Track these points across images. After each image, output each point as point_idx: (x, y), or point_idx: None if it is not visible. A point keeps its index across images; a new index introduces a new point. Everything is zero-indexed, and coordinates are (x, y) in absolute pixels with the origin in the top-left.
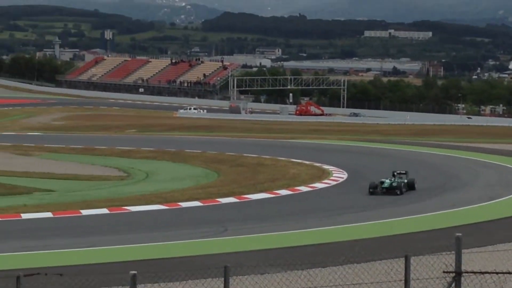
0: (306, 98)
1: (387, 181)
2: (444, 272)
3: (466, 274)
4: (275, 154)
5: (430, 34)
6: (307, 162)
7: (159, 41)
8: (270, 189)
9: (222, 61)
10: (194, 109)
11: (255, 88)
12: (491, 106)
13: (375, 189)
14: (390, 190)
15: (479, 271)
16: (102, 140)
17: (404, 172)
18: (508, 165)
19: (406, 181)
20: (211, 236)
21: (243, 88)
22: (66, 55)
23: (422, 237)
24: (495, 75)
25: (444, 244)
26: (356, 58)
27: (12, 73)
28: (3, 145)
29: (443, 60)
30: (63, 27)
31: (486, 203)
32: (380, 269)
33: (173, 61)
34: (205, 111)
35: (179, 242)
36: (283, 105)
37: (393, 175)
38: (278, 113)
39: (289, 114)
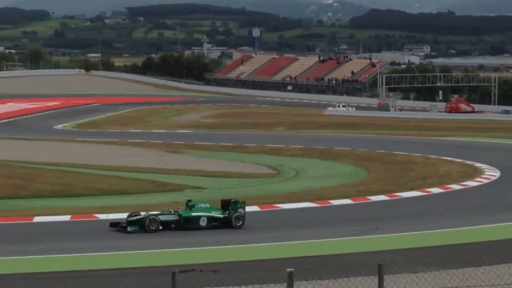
0: (456, 95)
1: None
2: None
3: None
4: (425, 151)
5: None
6: (458, 160)
7: (307, 39)
8: (421, 187)
9: (370, 59)
10: (343, 106)
11: (404, 86)
12: None
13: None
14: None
15: None
16: (251, 137)
17: (231, 200)
18: None
19: (214, 215)
20: (363, 234)
21: (392, 86)
22: (214, 53)
23: None
24: None
25: None
26: (507, 55)
27: (161, 72)
28: (154, 143)
29: None
30: (211, 25)
31: None
32: None
33: (321, 58)
34: (354, 108)
35: (331, 240)
36: (432, 103)
37: (223, 205)
38: (428, 111)
39: (439, 111)
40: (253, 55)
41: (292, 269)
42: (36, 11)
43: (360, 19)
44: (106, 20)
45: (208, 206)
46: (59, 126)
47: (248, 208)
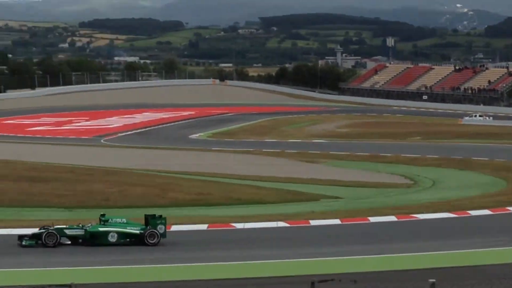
0: None
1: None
2: None
3: None
4: None
5: None
6: None
7: (441, 48)
8: None
9: (507, 67)
10: (480, 116)
11: None
12: None
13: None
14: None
15: None
16: (386, 147)
17: (152, 215)
18: None
19: (128, 231)
20: (504, 245)
21: None
22: (347, 62)
23: None
24: None
25: None
26: None
27: (295, 81)
28: (290, 153)
29: None
30: (344, 35)
31: None
32: None
33: (457, 67)
34: (491, 118)
35: (471, 251)
36: None
37: (146, 220)
38: None
39: None
40: (387, 64)
41: (434, 280)
42: (170, 22)
43: (496, 28)
44: (239, 30)
45: (125, 222)
46: (194, 136)
47: (384, 218)
